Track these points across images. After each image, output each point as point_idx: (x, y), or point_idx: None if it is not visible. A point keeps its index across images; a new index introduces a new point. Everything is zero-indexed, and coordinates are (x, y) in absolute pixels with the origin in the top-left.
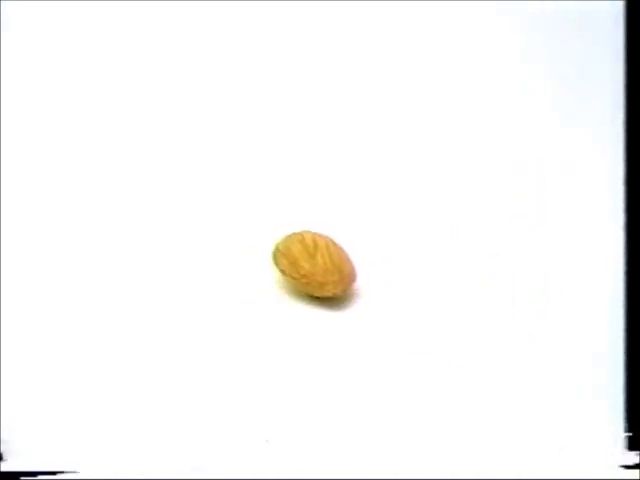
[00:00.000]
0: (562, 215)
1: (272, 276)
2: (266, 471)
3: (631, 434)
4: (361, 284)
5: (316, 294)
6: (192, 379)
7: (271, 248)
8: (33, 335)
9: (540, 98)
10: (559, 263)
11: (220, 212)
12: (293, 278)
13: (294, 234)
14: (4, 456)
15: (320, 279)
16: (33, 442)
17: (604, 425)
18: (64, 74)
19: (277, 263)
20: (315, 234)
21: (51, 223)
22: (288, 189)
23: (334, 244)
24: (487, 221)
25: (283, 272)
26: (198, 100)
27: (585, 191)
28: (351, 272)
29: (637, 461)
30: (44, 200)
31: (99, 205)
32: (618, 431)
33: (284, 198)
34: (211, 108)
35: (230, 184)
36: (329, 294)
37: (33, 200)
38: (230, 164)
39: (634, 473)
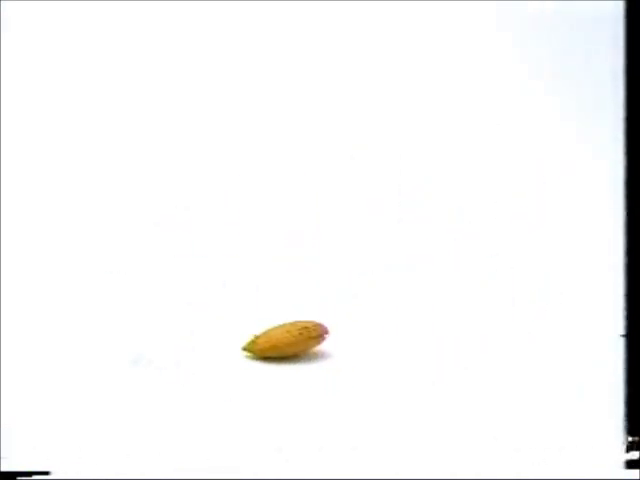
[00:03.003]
0: (562, 215)
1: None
2: None
3: (631, 433)
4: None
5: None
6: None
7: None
8: (32, 340)
9: (540, 98)
10: (559, 263)
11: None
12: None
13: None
14: (4, 455)
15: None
16: (32, 442)
17: (604, 425)
18: (64, 74)
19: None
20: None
21: (46, 229)
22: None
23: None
24: (487, 221)
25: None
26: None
27: (585, 191)
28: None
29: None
30: (42, 200)
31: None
32: (618, 431)
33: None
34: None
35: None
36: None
37: (33, 200)
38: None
39: (634, 473)
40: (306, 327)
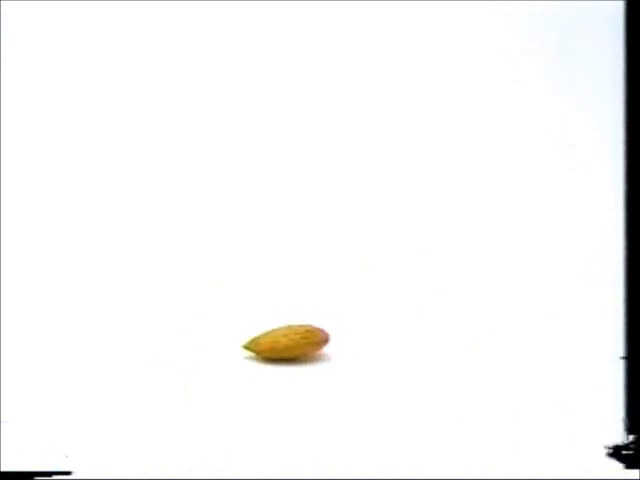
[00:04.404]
0: (562, 215)
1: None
2: None
3: (631, 433)
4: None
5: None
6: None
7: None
8: (33, 337)
9: (540, 98)
10: (559, 263)
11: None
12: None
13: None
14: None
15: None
16: (33, 442)
17: (604, 425)
18: (64, 74)
19: (255, 347)
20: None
21: (45, 228)
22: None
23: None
24: (487, 222)
25: (261, 352)
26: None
27: (585, 191)
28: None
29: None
30: (42, 201)
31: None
32: (618, 430)
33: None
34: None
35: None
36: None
37: (33, 200)
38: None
39: (634, 473)
40: (308, 332)
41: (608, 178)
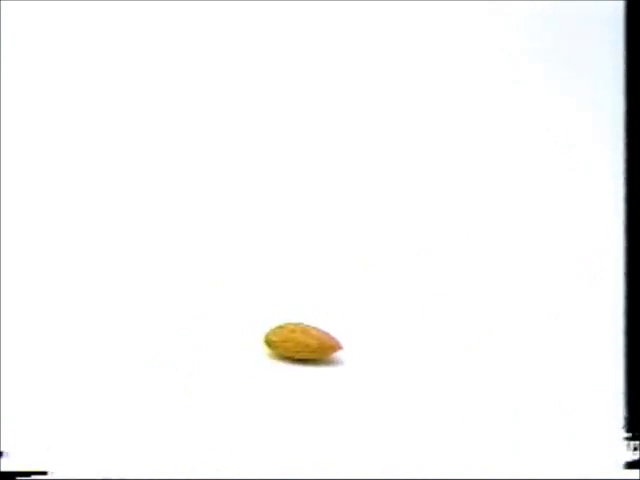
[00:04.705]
0: (562, 215)
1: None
2: None
3: (631, 434)
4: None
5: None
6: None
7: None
8: (32, 339)
9: (540, 98)
10: (559, 263)
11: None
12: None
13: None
14: (4, 455)
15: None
16: (31, 442)
17: (604, 425)
18: (64, 74)
19: (270, 341)
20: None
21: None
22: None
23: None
24: (487, 222)
25: (275, 345)
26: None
27: (585, 191)
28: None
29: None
30: (41, 201)
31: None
32: (618, 431)
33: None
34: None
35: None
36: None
37: (32, 200)
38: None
39: (634, 473)
40: (320, 339)
41: (608, 178)
